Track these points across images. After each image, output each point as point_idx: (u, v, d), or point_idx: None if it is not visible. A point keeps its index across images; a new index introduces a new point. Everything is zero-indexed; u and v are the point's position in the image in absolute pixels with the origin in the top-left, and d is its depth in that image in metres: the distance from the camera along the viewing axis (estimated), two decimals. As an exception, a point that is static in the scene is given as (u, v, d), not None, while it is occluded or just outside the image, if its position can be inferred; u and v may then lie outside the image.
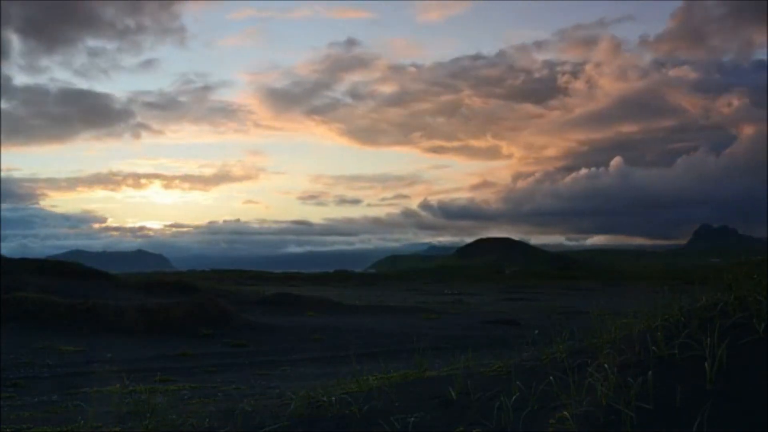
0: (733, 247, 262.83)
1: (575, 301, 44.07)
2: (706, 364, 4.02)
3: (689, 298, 5.67)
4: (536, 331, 6.92)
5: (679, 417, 3.64)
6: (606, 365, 4.39)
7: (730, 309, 4.93)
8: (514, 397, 4.44)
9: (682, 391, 3.89)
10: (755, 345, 4.29)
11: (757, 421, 3.46)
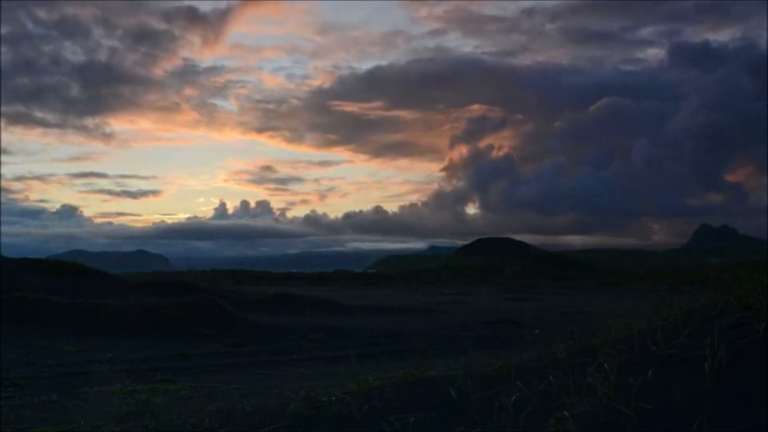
0: (733, 247, 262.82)
1: (575, 301, 44.08)
2: (706, 364, 4.02)
3: (689, 298, 5.68)
4: (536, 331, 6.93)
5: (679, 417, 3.64)
6: (606, 365, 4.39)
7: (730, 309, 4.94)
8: (514, 397, 4.43)
9: (682, 391, 3.89)
10: (755, 345, 4.30)
11: (758, 422, 3.47)
